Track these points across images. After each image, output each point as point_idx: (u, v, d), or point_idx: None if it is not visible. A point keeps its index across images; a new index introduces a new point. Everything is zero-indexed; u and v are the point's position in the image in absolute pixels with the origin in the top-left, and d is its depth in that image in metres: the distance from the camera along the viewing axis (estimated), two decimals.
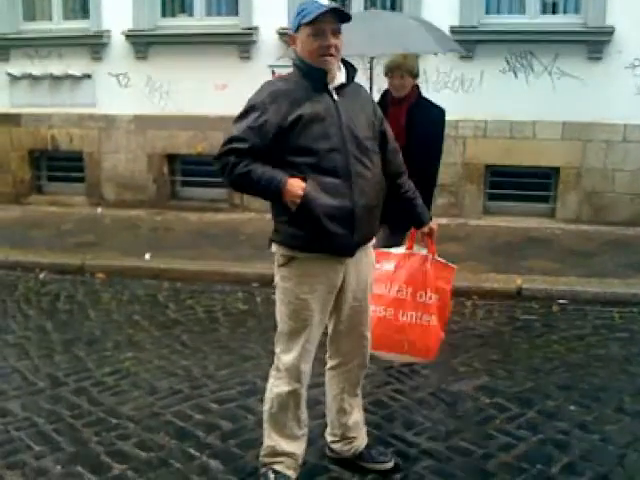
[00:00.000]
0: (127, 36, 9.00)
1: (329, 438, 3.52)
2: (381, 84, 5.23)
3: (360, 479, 3.39)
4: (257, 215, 8.28)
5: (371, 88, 5.56)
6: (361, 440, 3.49)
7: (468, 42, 8.13)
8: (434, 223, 3.52)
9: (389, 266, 3.59)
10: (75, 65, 9.27)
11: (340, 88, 3.05)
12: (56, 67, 9.32)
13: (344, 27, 3.00)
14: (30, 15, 9.67)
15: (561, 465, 3.47)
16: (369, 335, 3.36)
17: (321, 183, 2.94)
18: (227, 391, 4.32)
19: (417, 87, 4.87)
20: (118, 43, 9.12)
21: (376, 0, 8.69)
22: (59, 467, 3.51)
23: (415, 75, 4.82)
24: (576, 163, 8.13)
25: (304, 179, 2.93)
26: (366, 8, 8.56)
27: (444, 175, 8.33)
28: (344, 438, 3.46)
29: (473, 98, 8.26)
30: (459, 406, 4.10)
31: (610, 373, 4.52)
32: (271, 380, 3.24)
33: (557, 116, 8.00)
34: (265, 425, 3.29)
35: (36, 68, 9.40)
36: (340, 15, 2.94)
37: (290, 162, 2.95)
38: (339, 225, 2.98)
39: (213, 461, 3.54)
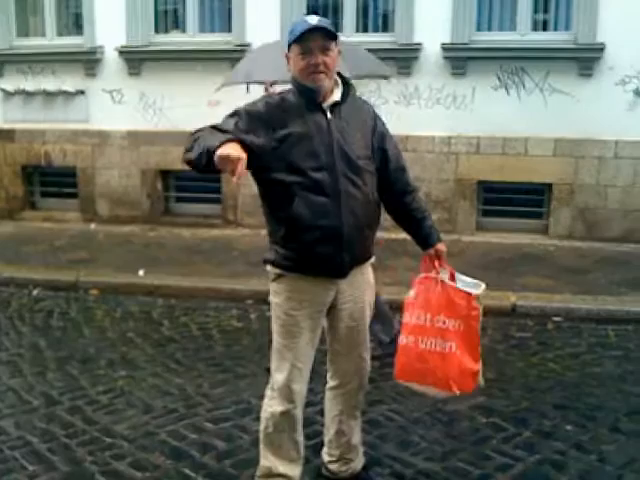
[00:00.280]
0: (120, 52, 9.01)
1: (326, 458, 3.51)
2: None
3: None
4: (251, 231, 8.28)
5: None
6: (358, 461, 3.48)
7: (459, 59, 8.21)
8: (442, 245, 3.35)
9: (412, 292, 3.45)
10: (69, 81, 9.27)
11: (335, 106, 3.04)
12: (50, 83, 9.31)
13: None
14: (24, 31, 9.67)
15: None
16: (368, 356, 3.35)
17: (309, 202, 2.93)
18: (222, 410, 4.31)
19: None
20: (111, 59, 9.13)
21: (367, 20, 8.74)
22: None
23: None
24: (568, 179, 8.17)
25: (292, 198, 2.93)
26: (357, 27, 8.62)
27: (437, 191, 8.43)
28: (341, 459, 3.44)
29: (465, 115, 8.31)
30: (455, 426, 4.09)
31: (606, 392, 4.52)
32: (265, 400, 3.24)
33: (549, 132, 8.05)
34: (261, 445, 3.28)
35: (29, 84, 9.40)
36: (327, 32, 2.94)
37: (279, 180, 2.95)
38: (327, 246, 2.98)
39: None
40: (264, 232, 3.18)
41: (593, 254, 7.55)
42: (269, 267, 3.15)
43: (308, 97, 2.99)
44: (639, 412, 4.25)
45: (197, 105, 8.65)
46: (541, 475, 3.56)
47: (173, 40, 9.06)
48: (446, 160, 8.42)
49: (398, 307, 5.83)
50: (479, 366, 3.30)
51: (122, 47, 8.98)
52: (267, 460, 3.25)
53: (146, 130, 9.10)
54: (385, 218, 3.33)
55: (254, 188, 3.14)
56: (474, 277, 3.40)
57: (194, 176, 8.79)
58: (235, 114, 2.95)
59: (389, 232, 6.97)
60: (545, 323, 5.78)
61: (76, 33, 9.43)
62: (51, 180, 9.83)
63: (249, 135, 2.86)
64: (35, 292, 6.75)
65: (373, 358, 4.44)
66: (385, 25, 8.72)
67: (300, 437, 3.25)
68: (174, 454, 3.79)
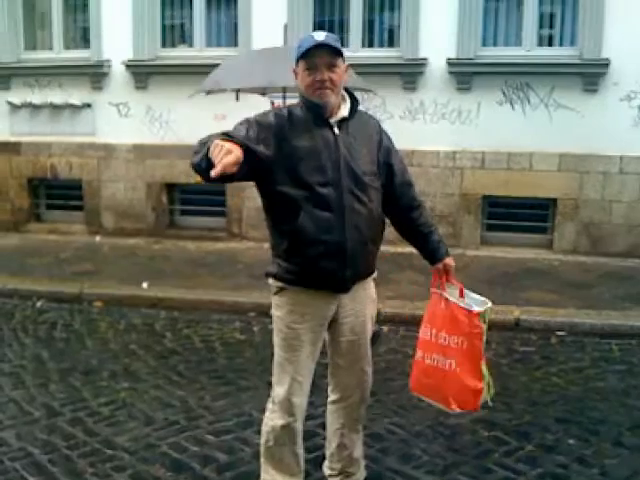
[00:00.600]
0: (127, 66, 9.07)
1: (327, 471, 3.49)
2: None
3: None
4: (255, 244, 8.29)
5: None
6: (360, 475, 3.47)
7: (465, 74, 8.24)
8: (450, 259, 3.32)
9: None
10: (75, 94, 9.33)
11: (343, 121, 3.04)
12: (56, 96, 9.38)
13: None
14: (31, 44, 9.76)
15: None
16: (370, 370, 3.34)
17: (314, 216, 2.93)
18: (224, 423, 4.29)
19: None
20: (118, 73, 9.20)
21: (373, 36, 8.78)
22: None
23: None
24: (573, 194, 8.16)
25: (297, 212, 2.94)
26: (363, 42, 8.66)
27: (442, 206, 8.43)
28: (343, 472, 3.43)
29: (470, 129, 8.33)
30: (457, 439, 4.07)
31: (609, 406, 4.50)
32: (267, 413, 3.23)
33: (554, 148, 8.06)
34: (262, 459, 3.27)
35: (36, 97, 9.46)
36: (333, 49, 2.94)
37: (284, 193, 2.95)
38: (331, 261, 2.98)
39: None
40: (268, 245, 3.18)
41: (597, 269, 7.54)
42: (271, 280, 3.16)
43: (315, 112, 2.99)
44: None
45: (203, 119, 8.68)
46: None
47: (180, 54, 9.13)
48: (451, 175, 8.43)
49: (401, 321, 5.93)
50: (482, 384, 3.25)
51: (129, 61, 9.05)
52: (268, 474, 3.24)
53: (152, 143, 9.15)
54: (390, 231, 3.33)
55: (259, 201, 3.14)
56: (478, 291, 3.38)
57: (199, 189, 9.00)
58: (246, 122, 2.94)
59: (395, 246, 7.04)
60: (549, 337, 5.75)
61: (83, 47, 9.51)
62: (57, 193, 9.88)
63: (259, 145, 2.86)
64: (39, 304, 6.76)
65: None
66: (391, 40, 8.77)
67: (300, 450, 3.24)
68: (175, 466, 3.78)
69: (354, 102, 3.11)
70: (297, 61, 3.00)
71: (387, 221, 3.32)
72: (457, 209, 8.47)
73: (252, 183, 3.03)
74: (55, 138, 9.51)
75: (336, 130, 3.01)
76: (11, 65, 9.53)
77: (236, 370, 5.13)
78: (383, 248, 3.25)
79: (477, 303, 3.30)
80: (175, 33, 9.45)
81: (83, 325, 6.19)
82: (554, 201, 8.28)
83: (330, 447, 3.46)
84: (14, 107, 9.57)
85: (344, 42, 8.57)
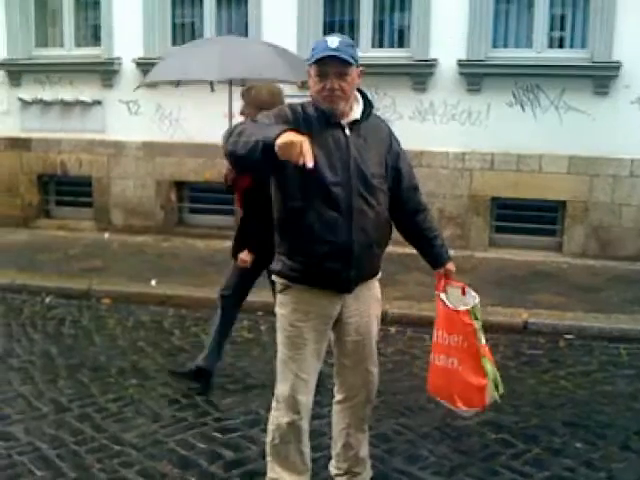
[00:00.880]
0: (138, 64, 9.08)
1: (333, 471, 3.50)
2: None
3: None
4: None
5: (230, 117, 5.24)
6: (366, 475, 3.48)
7: (475, 75, 8.23)
8: (452, 264, 3.37)
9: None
10: (86, 91, 9.36)
11: (354, 123, 3.05)
12: (67, 93, 9.40)
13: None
14: (42, 41, 9.80)
15: None
16: (375, 370, 3.35)
17: (321, 216, 2.95)
18: (231, 420, 4.31)
19: None
20: (129, 70, 9.21)
21: (383, 36, 8.77)
22: None
23: (267, 109, 4.49)
24: (583, 197, 8.14)
25: (305, 211, 2.94)
26: (373, 42, 8.66)
27: (451, 207, 8.42)
28: (349, 472, 3.44)
29: (480, 131, 8.31)
30: (464, 441, 4.07)
31: (616, 410, 4.49)
32: (272, 411, 3.24)
33: (564, 150, 8.04)
34: (268, 457, 3.28)
35: (47, 94, 9.49)
36: (342, 60, 2.92)
37: (293, 191, 2.97)
38: (335, 261, 2.99)
39: None
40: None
41: (606, 272, 7.51)
42: (274, 277, 3.18)
43: (326, 115, 3.00)
44: None
45: (213, 117, 8.69)
46: None
47: None
48: (460, 176, 8.42)
49: (408, 322, 5.92)
50: (485, 381, 3.28)
51: (139, 58, 9.06)
52: (274, 472, 3.25)
53: (161, 141, 9.17)
54: (396, 233, 3.33)
55: None
56: (486, 294, 3.40)
57: (208, 187, 8.99)
58: (265, 117, 2.95)
59: (402, 247, 7.02)
60: (557, 341, 5.74)
61: (94, 44, 9.53)
62: (66, 189, 9.91)
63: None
64: (48, 300, 6.78)
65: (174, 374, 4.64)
66: (401, 41, 8.76)
67: (306, 448, 3.25)
68: (182, 463, 3.80)
69: (367, 104, 3.11)
70: (310, 64, 3.00)
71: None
72: (466, 210, 8.46)
73: None
74: (65, 135, 9.53)
75: (347, 131, 3.02)
76: (22, 62, 9.57)
77: (243, 368, 5.15)
78: (390, 249, 3.27)
79: (464, 303, 3.35)
80: (185, 31, 9.45)
81: (91, 321, 6.21)
82: (563, 204, 8.26)
83: (336, 447, 3.47)
84: (25, 103, 9.61)
85: (354, 42, 8.57)
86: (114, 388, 4.79)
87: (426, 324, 3.42)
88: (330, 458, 3.54)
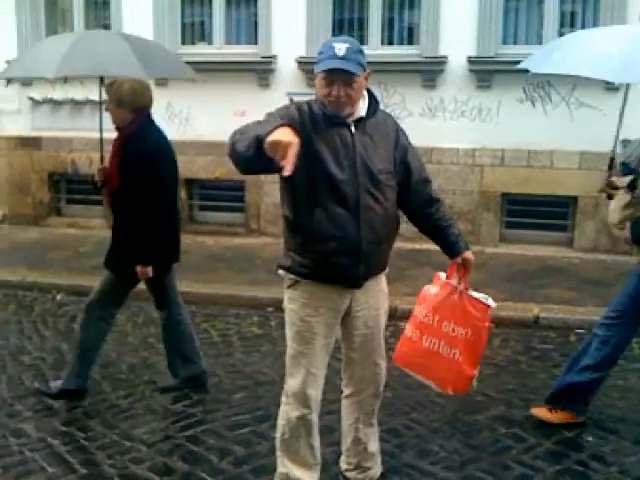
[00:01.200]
0: None
1: (344, 466, 3.50)
2: None
3: None
4: (273, 240, 8.29)
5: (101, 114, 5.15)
6: (376, 469, 3.48)
7: (485, 72, 8.20)
8: (469, 253, 3.32)
9: (433, 290, 3.46)
10: (96, 91, 9.33)
11: (360, 120, 3.04)
12: (77, 92, 9.43)
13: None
14: None
15: None
16: (383, 364, 3.35)
17: (330, 213, 2.95)
18: (241, 416, 4.32)
19: (142, 118, 4.38)
20: None
21: (393, 33, 8.75)
22: None
23: (128, 105, 4.30)
24: (594, 192, 8.04)
25: (314, 208, 2.94)
26: (383, 40, 8.64)
27: (461, 203, 8.40)
28: (359, 467, 3.44)
29: (490, 127, 8.29)
30: (475, 436, 4.06)
31: (628, 404, 4.48)
32: (282, 406, 3.25)
33: (575, 146, 8.00)
34: (278, 452, 3.28)
35: (57, 93, 9.53)
36: (347, 72, 2.89)
37: (302, 188, 2.97)
38: (344, 257, 3.00)
39: None
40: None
41: (617, 267, 7.45)
42: (283, 272, 3.18)
43: (332, 115, 2.99)
44: None
45: (223, 115, 8.72)
46: None
47: (200, 52, 9.14)
48: (470, 172, 8.40)
49: None
50: (476, 372, 3.37)
51: None
52: (284, 466, 3.25)
53: (172, 140, 9.12)
54: (407, 228, 3.33)
55: (277, 197, 3.16)
56: (497, 289, 3.41)
57: (218, 185, 9.01)
58: (271, 116, 2.93)
59: (412, 242, 7.03)
60: (568, 335, 5.72)
61: None
62: (77, 187, 9.93)
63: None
64: (59, 297, 6.81)
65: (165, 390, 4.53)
66: (410, 38, 8.74)
67: (316, 443, 3.25)
68: (192, 459, 3.81)
69: (372, 101, 3.11)
70: (317, 72, 2.98)
71: (404, 217, 3.33)
72: (476, 206, 8.44)
73: (270, 179, 3.04)
74: (76, 133, 9.56)
75: (353, 129, 3.02)
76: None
77: (253, 364, 5.16)
78: (401, 245, 3.27)
79: (486, 300, 3.36)
80: (195, 31, 9.48)
81: None
82: (574, 199, 8.22)
83: (346, 442, 3.47)
84: (35, 102, 9.65)
85: (363, 40, 8.57)
86: (125, 384, 4.81)
87: None
88: (340, 454, 3.54)
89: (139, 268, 4.34)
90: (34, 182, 9.88)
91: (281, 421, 3.23)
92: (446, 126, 8.42)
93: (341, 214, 2.96)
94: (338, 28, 8.74)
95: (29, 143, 9.78)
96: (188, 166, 9.16)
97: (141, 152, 4.22)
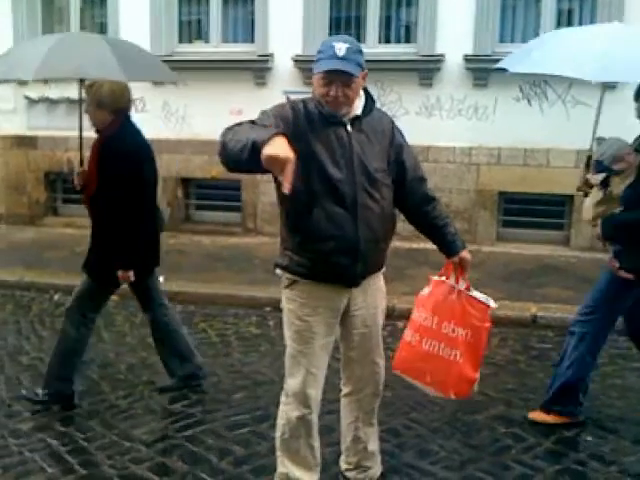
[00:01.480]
0: None
1: (343, 466, 3.50)
2: None
3: None
4: (270, 239, 8.27)
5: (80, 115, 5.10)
6: (376, 469, 3.48)
7: (482, 70, 8.20)
8: (466, 252, 3.33)
9: (426, 290, 3.44)
10: None
11: (356, 119, 3.04)
12: (73, 91, 9.37)
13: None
14: None
15: None
16: (382, 362, 3.35)
17: (327, 213, 2.95)
18: (240, 416, 4.31)
19: (122, 119, 4.33)
20: None
21: (390, 32, 8.74)
22: None
23: (108, 107, 4.27)
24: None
25: (311, 207, 2.94)
26: (380, 38, 8.64)
27: (458, 202, 8.41)
28: (359, 467, 3.44)
29: (487, 126, 8.30)
30: (475, 435, 4.07)
31: (627, 403, 4.49)
32: (281, 406, 3.25)
33: (571, 144, 7.98)
34: (278, 452, 3.28)
35: (53, 92, 9.49)
36: (346, 73, 2.89)
37: (298, 188, 2.94)
38: (342, 256, 2.99)
39: None
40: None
41: None
42: (279, 271, 3.17)
43: (328, 114, 2.99)
44: None
45: (219, 114, 8.70)
46: None
47: (196, 50, 9.14)
48: (467, 171, 8.41)
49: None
50: (477, 375, 3.32)
51: None
52: (284, 466, 3.25)
53: (168, 138, 9.16)
54: (405, 228, 3.32)
55: (273, 196, 3.14)
56: (494, 288, 3.40)
57: (214, 184, 9.00)
58: (266, 116, 2.92)
59: (410, 242, 7.03)
60: (566, 334, 5.71)
61: None
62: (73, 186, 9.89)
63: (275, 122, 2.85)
64: (56, 297, 6.80)
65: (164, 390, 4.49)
66: (407, 36, 8.74)
67: (316, 443, 3.25)
68: (192, 459, 3.80)
69: (368, 99, 3.11)
70: (315, 71, 2.97)
71: (401, 217, 3.33)
72: (473, 205, 8.45)
73: (267, 178, 3.02)
74: (72, 133, 9.47)
75: (349, 128, 3.02)
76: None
77: (252, 364, 5.16)
78: (399, 244, 3.27)
79: (486, 300, 3.35)
80: (192, 29, 9.46)
81: (100, 318, 6.15)
82: (571, 197, 8.22)
83: (345, 441, 3.47)
84: (31, 102, 9.62)
85: (360, 38, 8.58)
86: (123, 385, 4.80)
87: None
88: (340, 453, 3.54)
89: (120, 272, 4.28)
90: (30, 182, 9.86)
91: (281, 421, 3.23)
92: (443, 125, 8.42)
93: (339, 213, 2.95)
94: (335, 26, 8.74)
95: (25, 142, 9.75)
96: (184, 165, 9.19)
97: (121, 153, 4.19)
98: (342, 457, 3.52)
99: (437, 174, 8.18)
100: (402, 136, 3.23)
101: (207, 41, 9.25)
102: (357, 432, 3.40)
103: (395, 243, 3.30)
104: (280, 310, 3.26)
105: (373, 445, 3.46)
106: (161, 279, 6.92)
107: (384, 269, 3.30)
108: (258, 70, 8.81)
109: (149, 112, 9.20)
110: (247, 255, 8.02)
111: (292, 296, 3.14)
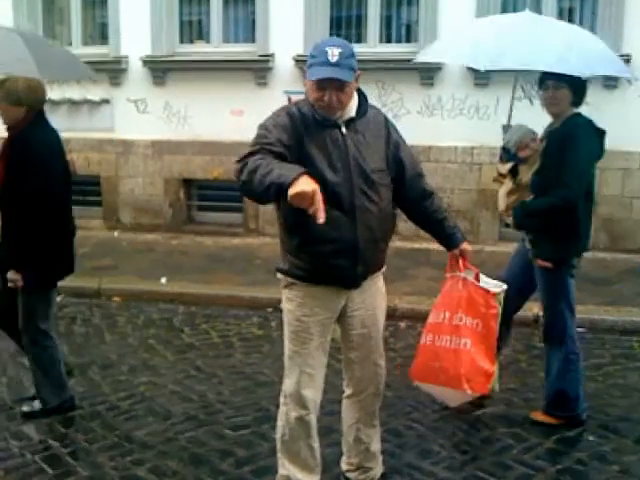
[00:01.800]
0: (145, 62, 9.09)
1: (345, 467, 3.50)
2: None
3: None
4: (272, 240, 8.22)
5: None
6: (377, 470, 3.48)
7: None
8: (467, 244, 3.36)
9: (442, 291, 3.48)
10: (94, 90, 9.36)
11: (350, 121, 3.04)
12: (74, 92, 9.41)
13: None
14: (49, 40, 9.78)
15: None
16: (383, 363, 3.35)
17: (326, 215, 2.93)
18: (242, 417, 4.32)
19: (35, 115, 4.16)
20: (136, 69, 9.21)
21: (391, 31, 8.72)
22: None
23: (24, 102, 4.10)
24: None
25: (307, 212, 2.93)
26: (381, 38, 8.63)
27: (459, 201, 8.39)
28: (360, 467, 3.44)
29: (488, 125, 8.26)
30: (476, 435, 4.07)
31: (629, 403, 4.48)
32: (281, 407, 3.25)
33: None
34: (278, 454, 3.29)
35: (55, 93, 9.45)
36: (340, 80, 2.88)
37: None
38: (342, 258, 3.00)
39: None
40: None
41: (617, 265, 7.47)
42: (281, 275, 3.19)
43: (323, 118, 2.99)
44: None
45: (221, 115, 8.73)
46: None
47: (197, 51, 9.14)
48: (469, 170, 8.39)
49: (418, 316, 5.90)
50: (494, 368, 3.31)
51: (147, 57, 9.06)
52: (285, 468, 3.25)
53: (170, 139, 9.17)
54: (406, 227, 3.33)
55: None
56: None
57: (216, 185, 9.00)
58: (264, 129, 2.93)
59: (412, 242, 7.03)
60: None
61: (101, 43, 9.53)
62: (75, 188, 9.81)
63: (285, 149, 2.87)
64: (58, 299, 6.73)
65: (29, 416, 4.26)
66: (408, 35, 8.73)
67: (316, 444, 3.25)
68: (193, 460, 3.80)
69: (362, 100, 3.10)
70: (307, 78, 2.97)
71: (403, 217, 3.33)
72: (475, 205, 8.43)
73: None
74: (73, 134, 9.51)
75: (344, 130, 3.01)
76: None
77: (254, 365, 5.16)
78: (400, 244, 3.28)
79: (492, 287, 3.41)
80: (193, 29, 9.46)
81: (102, 320, 6.23)
82: None
83: (347, 442, 3.47)
84: None
85: (361, 37, 8.58)
86: (125, 386, 4.80)
87: None
88: (341, 454, 3.54)
89: (11, 274, 4.07)
90: None
91: (280, 422, 3.24)
92: (444, 124, 8.41)
93: (337, 216, 2.94)
94: (336, 26, 8.73)
95: None
96: (186, 166, 9.19)
97: (29, 150, 4.04)
98: (343, 458, 3.52)
99: (439, 174, 8.17)
100: (397, 132, 3.23)
101: (208, 41, 9.22)
102: (359, 433, 3.40)
103: (396, 243, 3.32)
104: (281, 311, 3.27)
105: (375, 446, 3.46)
106: (163, 280, 7.00)
107: (384, 269, 3.30)
108: (259, 70, 8.80)
109: (151, 113, 9.21)
110: (249, 256, 8.01)
111: (291, 296, 3.15)
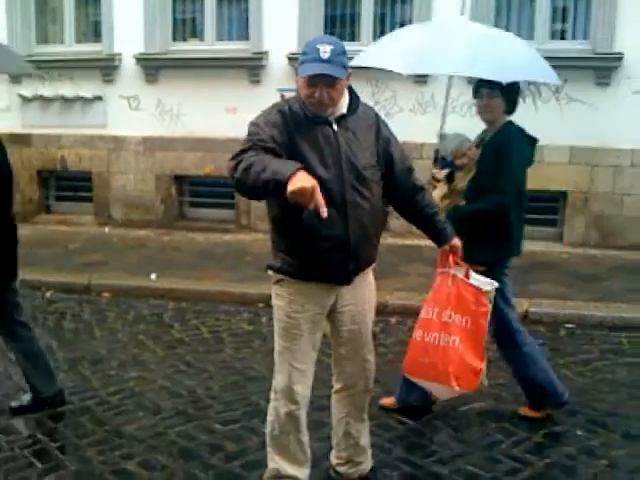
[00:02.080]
0: (138, 59, 9.07)
1: (334, 461, 3.51)
2: None
3: None
4: (264, 236, 8.21)
5: None
6: (367, 464, 3.48)
7: None
8: (457, 240, 3.36)
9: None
10: (86, 87, 9.34)
11: (341, 118, 3.04)
12: (67, 89, 9.39)
13: None
14: (43, 38, 9.77)
15: None
16: (372, 359, 3.35)
17: (317, 212, 2.94)
18: (231, 412, 4.32)
19: None
20: (129, 66, 9.20)
21: (385, 29, 8.71)
22: None
23: None
24: (584, 188, 8.12)
25: (301, 209, 2.92)
26: (374, 36, 8.61)
27: None
28: (349, 461, 3.45)
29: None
30: (465, 430, 4.08)
31: (617, 398, 4.49)
32: (271, 402, 3.26)
33: (565, 141, 8.00)
34: (268, 448, 3.29)
35: (47, 90, 9.47)
36: (331, 76, 2.89)
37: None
38: (334, 255, 3.00)
39: None
40: None
41: (607, 262, 7.49)
42: (271, 272, 3.19)
43: (313, 115, 2.99)
44: None
45: (213, 112, 8.72)
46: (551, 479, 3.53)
47: (190, 48, 9.12)
48: None
49: (409, 312, 5.91)
50: (483, 365, 3.31)
51: (140, 54, 9.05)
52: (274, 462, 3.26)
53: (162, 136, 9.16)
54: (398, 224, 3.33)
55: None
56: None
57: (208, 181, 8.99)
58: (256, 127, 2.93)
59: (403, 238, 7.03)
60: (557, 330, 5.74)
61: (94, 40, 9.51)
62: (66, 184, 9.90)
63: (278, 145, 2.87)
64: (48, 294, 6.79)
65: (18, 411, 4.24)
66: None
67: (305, 438, 3.26)
68: (183, 455, 3.80)
69: (353, 97, 3.11)
70: (299, 74, 2.98)
71: (395, 214, 3.33)
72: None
73: None
74: (65, 130, 9.52)
75: (335, 127, 3.01)
76: (23, 58, 9.54)
77: (244, 360, 5.16)
78: (392, 241, 3.28)
79: (483, 284, 3.40)
80: (186, 27, 9.45)
81: (92, 316, 6.21)
82: (564, 194, 8.24)
83: (336, 436, 3.47)
84: (25, 100, 9.58)
85: (355, 36, 8.59)
86: (115, 381, 4.80)
87: None
88: (331, 448, 3.54)
89: None
90: (23, 179, 9.80)
91: (270, 417, 3.24)
92: (437, 122, 8.37)
93: (329, 213, 2.93)
94: (330, 24, 8.73)
95: (18, 140, 9.69)
96: (178, 162, 9.18)
97: None
98: (333, 452, 3.53)
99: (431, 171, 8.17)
100: (387, 128, 3.24)
101: (201, 39, 9.21)
102: (348, 427, 3.40)
103: (388, 240, 3.32)
104: (272, 306, 3.26)
105: (364, 440, 3.47)
106: (153, 276, 6.99)
107: (374, 264, 3.30)
108: (253, 68, 8.80)
109: (143, 110, 9.20)
110: (240, 252, 8.01)
111: (281, 292, 3.15)
